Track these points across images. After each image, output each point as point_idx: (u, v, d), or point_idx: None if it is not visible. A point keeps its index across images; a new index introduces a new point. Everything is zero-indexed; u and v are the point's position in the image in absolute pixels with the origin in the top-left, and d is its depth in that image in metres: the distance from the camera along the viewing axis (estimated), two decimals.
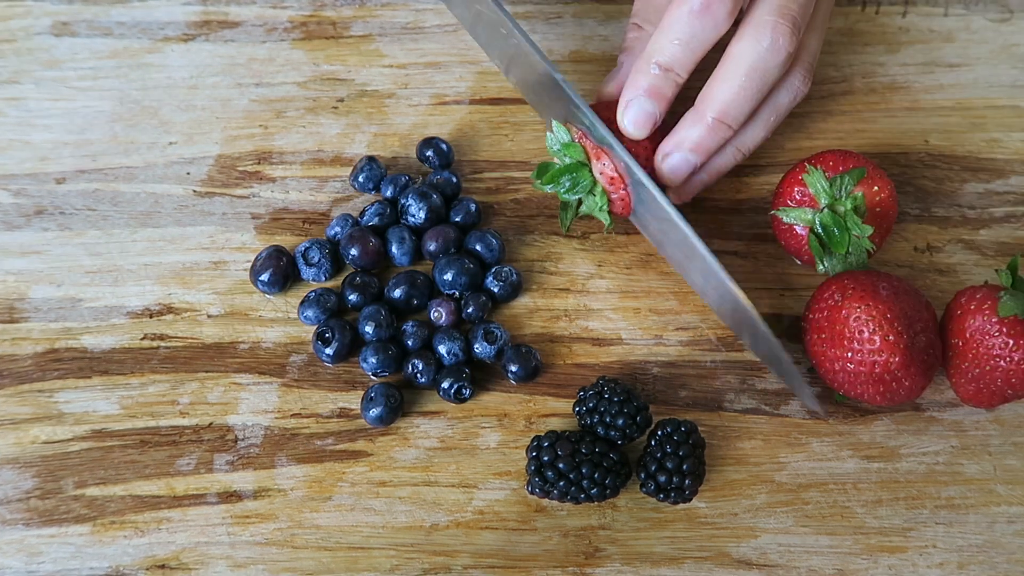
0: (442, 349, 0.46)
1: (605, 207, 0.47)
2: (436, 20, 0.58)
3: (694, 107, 0.46)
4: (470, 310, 0.47)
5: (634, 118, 0.46)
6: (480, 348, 0.46)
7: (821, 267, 0.46)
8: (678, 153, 0.46)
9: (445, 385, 0.45)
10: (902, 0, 0.59)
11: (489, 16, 0.48)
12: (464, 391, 0.45)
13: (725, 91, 0.45)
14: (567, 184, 0.47)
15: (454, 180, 0.51)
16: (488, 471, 0.45)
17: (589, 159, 0.47)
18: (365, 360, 0.46)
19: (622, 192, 0.47)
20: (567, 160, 0.47)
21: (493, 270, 0.48)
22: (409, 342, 0.47)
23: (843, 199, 0.45)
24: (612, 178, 0.46)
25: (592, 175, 0.47)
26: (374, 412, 0.44)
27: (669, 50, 0.45)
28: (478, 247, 0.48)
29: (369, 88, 0.55)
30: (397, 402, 0.45)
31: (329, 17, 0.58)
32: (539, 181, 0.47)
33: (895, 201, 0.47)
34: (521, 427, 0.46)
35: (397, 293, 0.48)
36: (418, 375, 0.46)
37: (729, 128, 0.46)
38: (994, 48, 0.57)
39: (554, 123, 0.47)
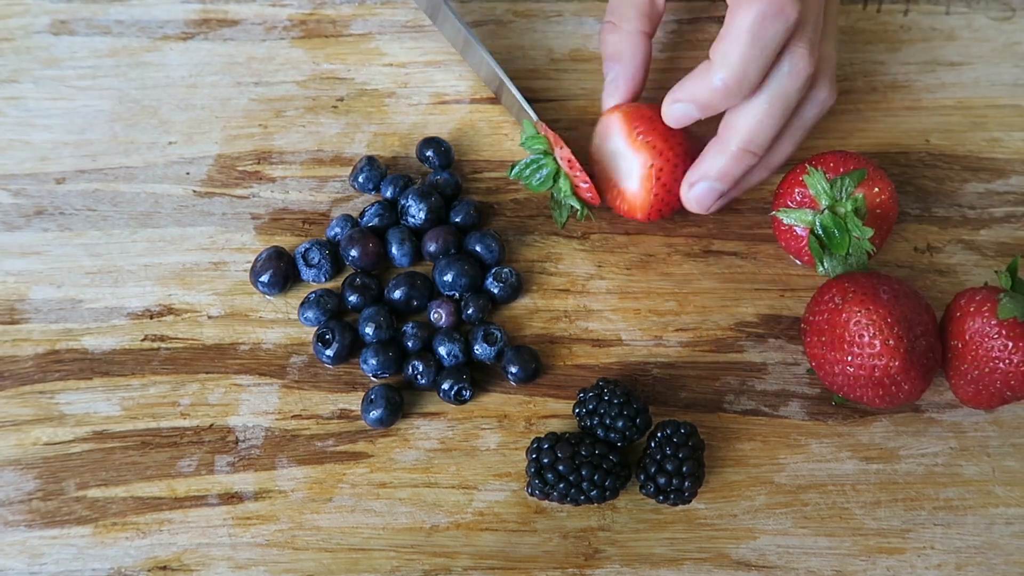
0: (442, 351, 0.46)
1: (570, 191, 0.48)
2: None
3: (717, 136, 0.46)
4: (470, 311, 0.47)
5: (676, 117, 0.46)
6: (480, 350, 0.46)
7: (821, 268, 0.46)
8: (704, 183, 0.46)
9: (445, 387, 0.45)
10: None
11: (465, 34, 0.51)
12: (464, 392, 0.45)
13: (748, 120, 0.44)
14: (534, 173, 0.48)
15: (454, 180, 0.51)
16: (488, 472, 0.45)
17: (552, 148, 0.48)
18: (365, 362, 0.46)
19: (579, 174, 0.47)
20: (534, 151, 0.48)
21: (493, 271, 0.48)
22: (409, 343, 0.47)
23: (843, 200, 0.45)
24: (570, 160, 0.47)
25: (556, 162, 0.48)
26: (374, 414, 0.45)
27: (737, 63, 0.43)
28: (478, 248, 0.48)
29: (369, 87, 0.55)
30: (397, 404, 0.45)
31: (328, 15, 0.58)
32: (511, 173, 0.48)
33: (895, 202, 0.47)
34: (521, 428, 0.46)
35: (397, 294, 0.48)
36: (418, 376, 0.46)
37: (754, 155, 0.46)
38: (996, 47, 0.57)
39: (523, 122, 0.49)
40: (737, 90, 0.43)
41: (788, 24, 0.42)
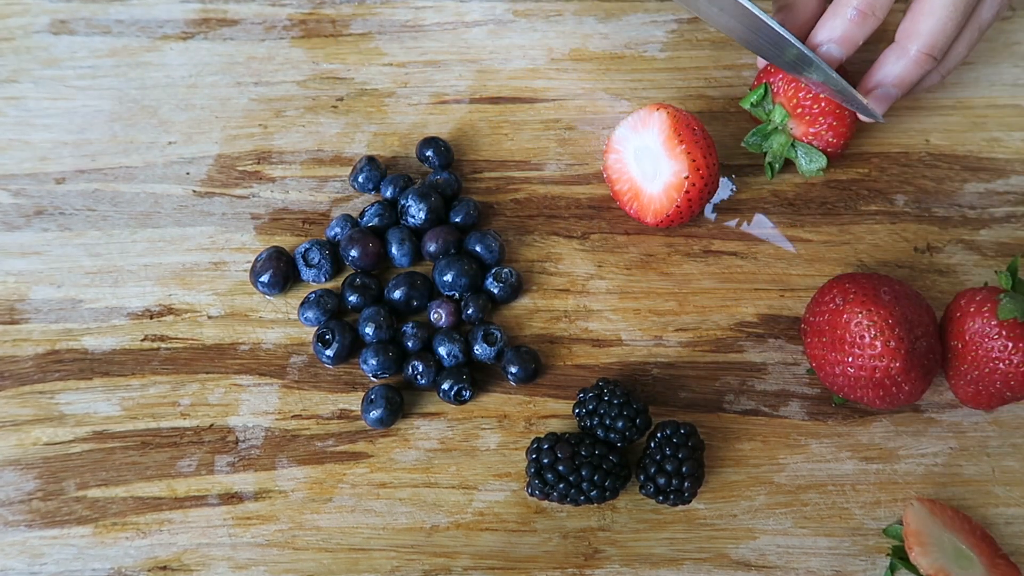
0: (442, 351, 0.46)
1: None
2: (436, 18, 0.58)
3: (896, 42, 0.46)
4: (470, 311, 0.47)
5: (885, 102, 0.47)
6: (480, 350, 0.46)
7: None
8: (880, 90, 0.47)
9: (445, 387, 0.45)
10: None
11: None
12: (464, 393, 0.45)
13: (930, 23, 0.44)
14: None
15: (454, 180, 0.51)
16: (488, 473, 0.45)
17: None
18: (365, 362, 0.46)
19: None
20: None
21: (493, 271, 0.48)
22: (409, 343, 0.47)
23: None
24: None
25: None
26: (375, 414, 0.45)
27: (932, 41, 0.44)
28: (478, 248, 0.48)
29: (369, 87, 0.55)
30: (397, 404, 0.45)
31: (328, 15, 0.58)
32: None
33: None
34: (521, 428, 0.46)
35: (397, 294, 0.48)
36: (418, 376, 0.46)
37: (934, 60, 0.45)
38: (996, 46, 0.57)
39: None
40: (938, 56, 0.45)
41: None
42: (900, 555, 0.42)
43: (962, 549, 0.41)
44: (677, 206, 0.47)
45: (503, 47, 0.56)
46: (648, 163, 0.47)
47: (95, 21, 0.57)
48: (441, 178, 0.51)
